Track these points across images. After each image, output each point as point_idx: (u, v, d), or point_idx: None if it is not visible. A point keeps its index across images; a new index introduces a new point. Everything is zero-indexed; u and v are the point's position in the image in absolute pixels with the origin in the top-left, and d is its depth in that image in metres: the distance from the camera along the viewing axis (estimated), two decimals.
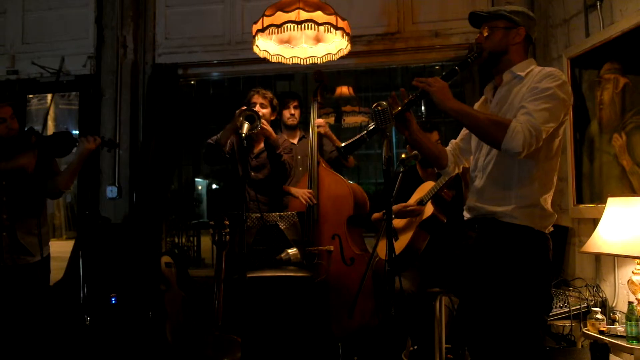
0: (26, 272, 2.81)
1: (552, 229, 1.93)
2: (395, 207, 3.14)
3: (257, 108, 3.43)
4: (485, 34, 1.99)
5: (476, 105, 2.17)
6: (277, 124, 3.84)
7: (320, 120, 3.68)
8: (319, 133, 3.66)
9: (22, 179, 2.80)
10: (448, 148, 2.22)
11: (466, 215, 2.09)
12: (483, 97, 2.14)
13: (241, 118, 3.07)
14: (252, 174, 3.55)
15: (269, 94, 3.57)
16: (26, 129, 3.00)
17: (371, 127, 1.92)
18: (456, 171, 2.23)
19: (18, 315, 2.75)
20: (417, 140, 2.09)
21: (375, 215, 3.43)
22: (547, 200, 1.92)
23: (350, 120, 5.36)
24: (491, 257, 1.91)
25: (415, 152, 3.06)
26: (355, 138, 1.98)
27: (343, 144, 2.00)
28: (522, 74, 1.93)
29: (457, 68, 1.99)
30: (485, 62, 2.01)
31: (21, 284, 2.78)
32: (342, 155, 2.00)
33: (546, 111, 1.78)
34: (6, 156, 2.76)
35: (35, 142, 2.83)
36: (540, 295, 1.88)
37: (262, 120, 3.21)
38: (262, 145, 3.55)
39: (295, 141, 3.81)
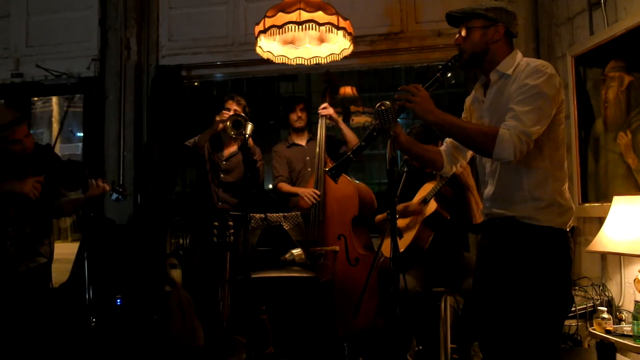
0: (32, 274, 2.84)
1: (572, 223, 1.88)
2: (398, 207, 3.14)
3: (232, 113, 3.53)
4: (464, 35, 1.95)
5: (468, 102, 2.13)
6: (286, 126, 3.91)
7: (325, 104, 3.70)
8: (326, 135, 3.69)
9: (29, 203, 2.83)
10: (442, 147, 2.18)
11: (484, 218, 2.06)
12: (473, 94, 2.09)
13: (229, 123, 3.18)
14: (222, 176, 3.69)
15: (243, 101, 3.69)
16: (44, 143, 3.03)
17: (361, 144, 1.98)
18: (453, 170, 2.20)
19: (24, 317, 2.77)
20: (407, 150, 2.10)
21: (379, 217, 3.43)
22: (564, 192, 1.87)
23: (357, 120, 5.36)
24: (512, 258, 1.86)
25: None
26: (342, 159, 2.03)
27: (328, 168, 2.07)
28: (509, 71, 1.89)
29: (438, 75, 1.96)
30: (467, 63, 1.97)
31: (27, 286, 2.81)
32: (332, 177, 2.05)
33: (533, 112, 1.74)
34: (17, 174, 2.77)
35: (46, 168, 2.84)
36: (560, 296, 1.84)
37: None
38: (232, 149, 3.71)
39: (303, 143, 3.86)
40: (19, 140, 2.76)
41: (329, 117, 3.70)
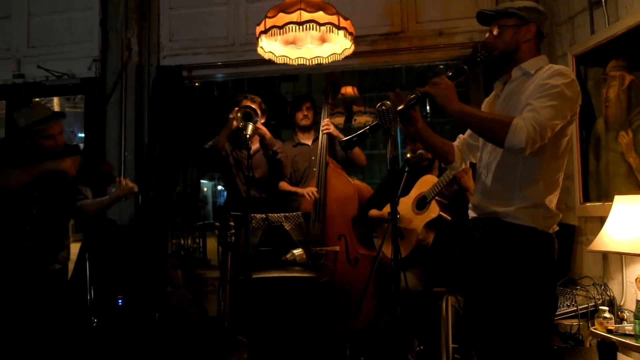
0: (52, 277, 2.86)
1: (557, 228, 1.91)
2: (374, 213, 3.26)
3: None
4: (495, 33, 1.97)
5: (486, 101, 2.16)
6: (288, 126, 3.91)
7: (326, 121, 3.73)
8: (328, 134, 3.69)
9: (56, 191, 2.83)
10: (455, 143, 2.21)
11: (471, 214, 2.07)
12: (493, 93, 2.12)
13: (239, 114, 3.23)
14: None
15: (258, 99, 3.70)
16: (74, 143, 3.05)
17: (374, 123, 1.91)
18: (463, 166, 2.22)
19: (39, 318, 2.77)
20: (423, 137, 2.10)
21: (372, 212, 3.43)
22: (553, 200, 1.89)
23: (359, 119, 5.38)
24: (495, 257, 1.90)
25: (420, 151, 3.06)
26: (357, 133, 1.98)
27: (344, 138, 2.01)
28: (532, 71, 1.91)
29: (465, 67, 1.97)
30: (496, 61, 1.99)
31: (47, 288, 2.82)
32: (343, 149, 2.03)
33: (552, 108, 1.75)
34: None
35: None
36: (545, 295, 1.86)
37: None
38: (254, 146, 3.72)
39: (309, 142, 3.88)
40: (53, 136, 2.80)
41: (330, 134, 3.72)
